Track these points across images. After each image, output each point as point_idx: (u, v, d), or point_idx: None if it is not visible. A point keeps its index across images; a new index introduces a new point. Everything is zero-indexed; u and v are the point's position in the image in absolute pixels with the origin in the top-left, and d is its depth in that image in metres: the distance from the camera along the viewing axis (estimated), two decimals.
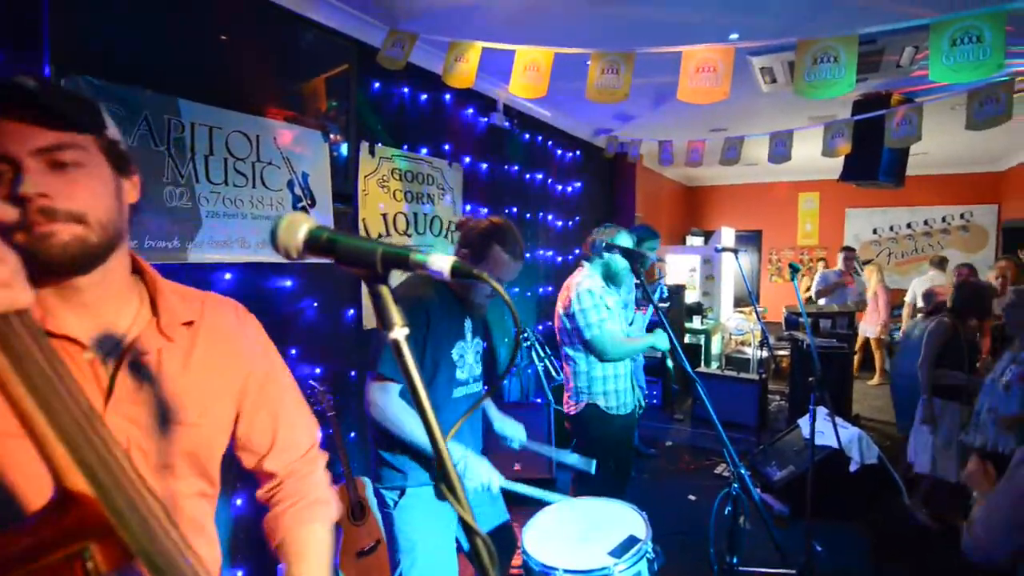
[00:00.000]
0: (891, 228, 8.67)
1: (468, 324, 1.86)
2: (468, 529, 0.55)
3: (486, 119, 4.18)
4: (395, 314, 0.55)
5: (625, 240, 2.51)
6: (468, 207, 4.04)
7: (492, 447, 2.01)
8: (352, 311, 3.11)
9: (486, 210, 4.22)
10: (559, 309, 2.63)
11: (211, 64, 2.36)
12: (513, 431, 2.07)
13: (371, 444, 1.83)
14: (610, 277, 2.62)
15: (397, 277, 3.17)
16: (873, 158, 4.32)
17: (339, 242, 0.57)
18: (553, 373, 4.53)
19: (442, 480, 0.56)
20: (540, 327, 5.09)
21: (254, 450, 0.99)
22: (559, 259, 5.43)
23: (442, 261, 0.54)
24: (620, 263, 2.56)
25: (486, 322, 1.97)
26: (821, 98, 2.25)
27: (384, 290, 0.56)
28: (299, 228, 0.57)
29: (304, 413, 1.07)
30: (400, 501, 1.76)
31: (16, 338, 0.51)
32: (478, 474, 1.70)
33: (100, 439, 0.55)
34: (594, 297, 2.49)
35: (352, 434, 3.03)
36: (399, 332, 0.55)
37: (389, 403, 1.65)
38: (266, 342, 1.03)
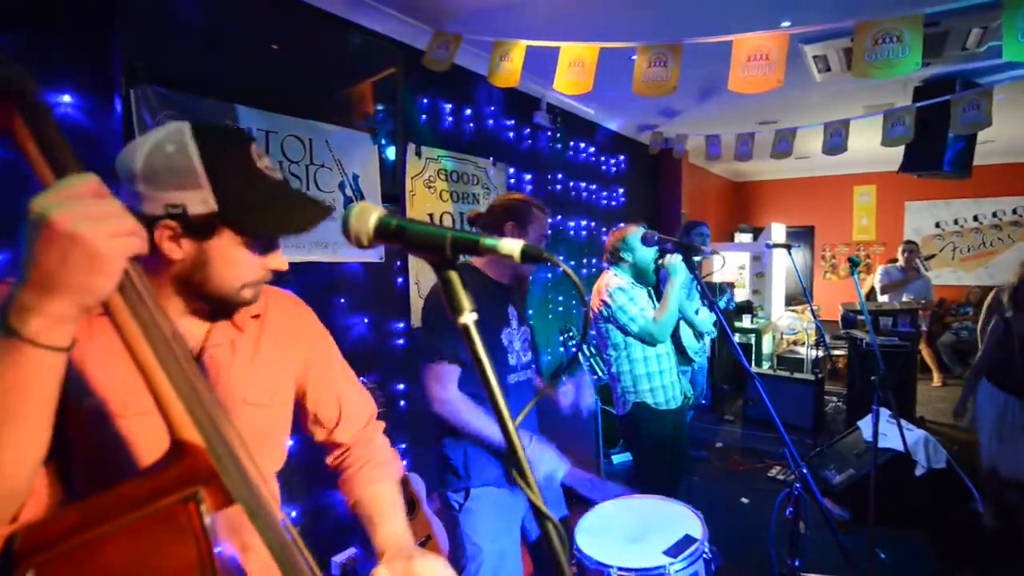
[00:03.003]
0: (955, 221, 8.20)
1: (512, 311, 1.85)
2: (539, 514, 0.55)
3: (530, 118, 4.18)
4: (464, 299, 0.56)
5: (637, 235, 2.47)
6: None
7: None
8: (401, 309, 3.17)
9: None
10: (595, 314, 2.62)
11: (266, 72, 2.45)
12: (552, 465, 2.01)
13: (434, 447, 1.81)
14: (639, 275, 2.59)
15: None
16: (937, 147, 4.10)
17: (408, 229, 0.58)
18: (599, 372, 4.50)
19: (513, 465, 0.56)
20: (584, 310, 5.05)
21: (324, 424, 1.12)
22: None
23: (512, 244, 0.54)
24: (644, 258, 2.52)
25: (525, 311, 1.96)
26: (884, 78, 2.15)
27: (453, 275, 0.56)
28: (370, 216, 0.58)
29: (360, 388, 1.19)
30: (465, 504, 1.74)
31: (135, 292, 0.58)
32: (543, 462, 1.66)
33: (206, 396, 0.62)
34: (626, 293, 2.50)
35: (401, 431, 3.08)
36: (469, 317, 0.56)
37: (451, 397, 1.64)
38: (321, 329, 1.14)
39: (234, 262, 0.82)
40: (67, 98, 1.83)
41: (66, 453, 0.77)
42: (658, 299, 2.67)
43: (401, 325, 3.15)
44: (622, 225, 2.64)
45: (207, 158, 0.77)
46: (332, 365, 1.13)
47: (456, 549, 1.79)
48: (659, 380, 2.57)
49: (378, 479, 1.12)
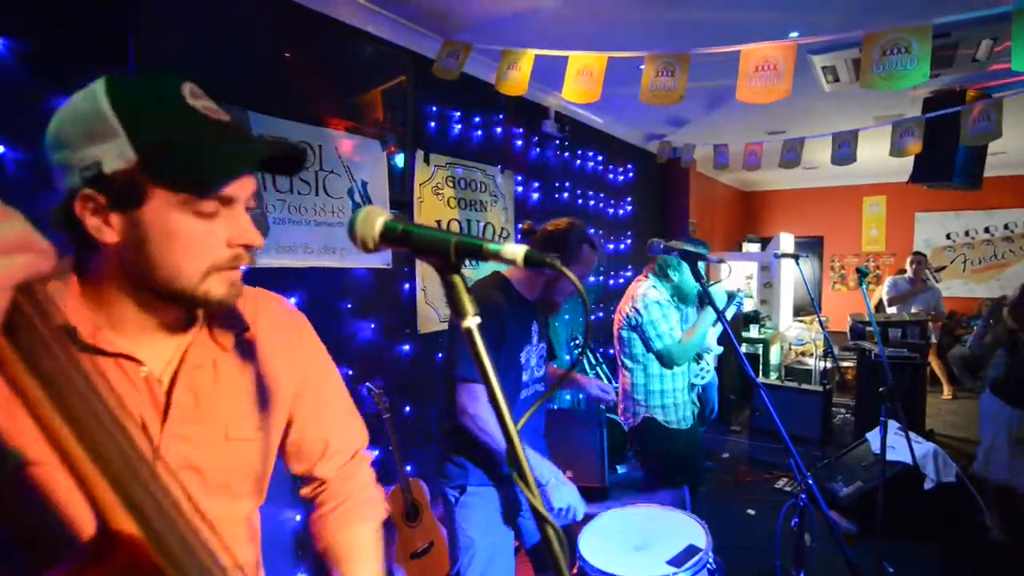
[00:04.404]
0: (966, 233, 8.14)
1: (534, 328, 1.86)
2: (539, 517, 0.55)
3: (538, 126, 4.20)
4: (468, 303, 0.56)
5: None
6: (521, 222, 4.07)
7: (548, 452, 2.01)
8: (408, 314, 3.18)
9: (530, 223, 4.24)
10: (619, 319, 2.60)
11: (278, 79, 2.48)
12: (600, 392, 2.11)
13: (437, 441, 1.86)
14: (680, 296, 2.59)
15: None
16: (947, 158, 4.08)
17: (414, 233, 0.58)
18: (605, 381, 4.49)
19: (514, 468, 0.56)
20: (591, 317, 5.05)
21: (305, 458, 0.94)
22: (611, 272, 5.38)
23: (515, 249, 0.55)
24: (691, 283, 2.51)
25: (546, 327, 1.96)
26: (893, 90, 2.14)
27: (457, 279, 0.57)
28: (376, 220, 0.58)
29: (354, 416, 1.01)
30: (461, 498, 1.78)
31: (32, 333, 0.42)
32: (562, 499, 1.66)
33: (150, 471, 0.47)
34: (661, 308, 2.47)
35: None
36: (472, 321, 0.56)
37: (482, 413, 1.65)
38: (317, 342, 0.95)
39: (178, 234, 0.64)
40: None
41: None
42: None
43: (407, 330, 3.16)
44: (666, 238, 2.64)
45: (121, 101, 0.61)
46: (326, 391, 0.95)
47: (452, 541, 1.83)
48: (671, 398, 2.55)
49: (355, 521, 0.94)
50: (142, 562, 0.46)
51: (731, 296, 2.88)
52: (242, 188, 0.68)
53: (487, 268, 3.64)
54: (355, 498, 0.97)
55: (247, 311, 0.83)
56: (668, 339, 2.44)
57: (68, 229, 0.64)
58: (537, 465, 1.69)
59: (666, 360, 2.48)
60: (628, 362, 2.59)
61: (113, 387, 0.63)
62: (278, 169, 0.73)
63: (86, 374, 0.45)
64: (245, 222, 0.69)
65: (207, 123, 0.65)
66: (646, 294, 2.50)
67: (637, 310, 2.49)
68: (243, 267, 0.71)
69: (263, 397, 0.82)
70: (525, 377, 1.83)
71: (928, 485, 3.27)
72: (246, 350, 0.81)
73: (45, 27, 1.78)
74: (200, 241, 0.65)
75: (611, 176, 5.43)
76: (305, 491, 0.99)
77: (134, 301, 0.69)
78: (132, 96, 0.63)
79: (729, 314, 2.54)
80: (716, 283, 2.52)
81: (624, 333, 2.57)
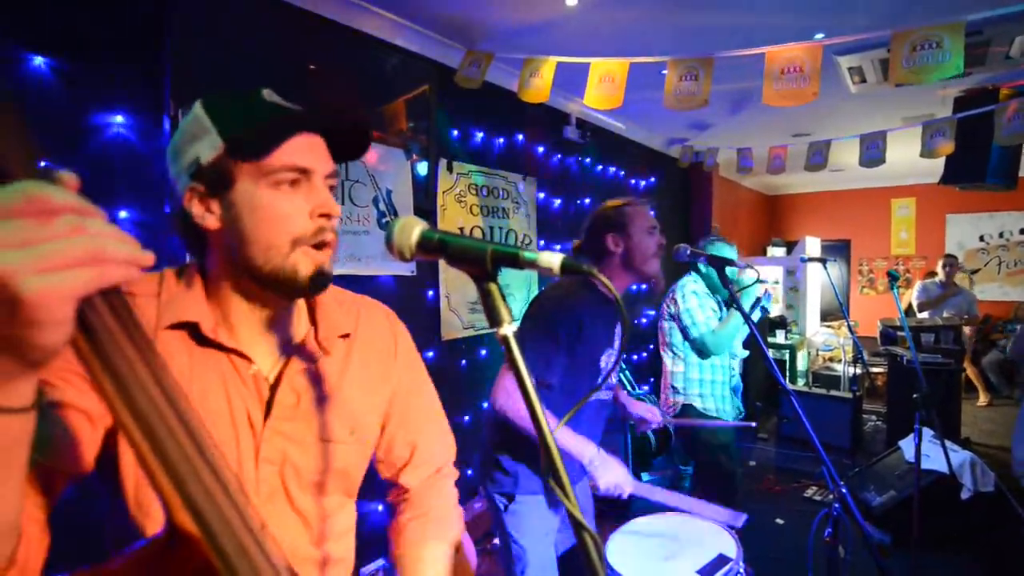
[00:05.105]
0: (1000, 234, 7.91)
1: (619, 331, 1.81)
2: (576, 524, 0.55)
3: (560, 133, 4.21)
4: (504, 311, 0.57)
5: (720, 250, 2.57)
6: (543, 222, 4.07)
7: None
8: (433, 322, 3.20)
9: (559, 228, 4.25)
10: (663, 311, 2.71)
11: (305, 90, 2.53)
12: (645, 412, 2.12)
13: (486, 446, 1.80)
14: (713, 289, 2.68)
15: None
16: (980, 158, 3.97)
17: (450, 242, 0.59)
18: (629, 387, 4.45)
19: (549, 472, 0.56)
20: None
21: (392, 464, 0.98)
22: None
23: (552, 258, 0.55)
24: (712, 272, 2.59)
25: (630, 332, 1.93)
26: (925, 83, 2.08)
27: (493, 287, 0.58)
28: (413, 230, 0.60)
29: (443, 430, 1.05)
30: (511, 506, 1.74)
31: (107, 336, 0.45)
32: (607, 476, 1.61)
33: (213, 474, 0.50)
34: (699, 298, 2.57)
35: None
36: (508, 328, 0.57)
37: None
38: (414, 353, 1.00)
39: (264, 206, 0.72)
40: (119, 118, 1.93)
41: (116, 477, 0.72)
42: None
43: (431, 336, 3.18)
44: (713, 237, 2.77)
45: (212, 105, 0.73)
46: (417, 399, 0.99)
47: (502, 550, 1.79)
48: (709, 388, 2.61)
49: (427, 538, 0.96)
50: (197, 557, 0.49)
51: (757, 299, 2.85)
52: (317, 160, 0.75)
53: (512, 275, 3.65)
54: (433, 514, 0.98)
55: (350, 317, 0.88)
56: (704, 327, 2.51)
57: (184, 230, 0.76)
58: (579, 445, 1.62)
59: (701, 349, 2.55)
60: (668, 352, 2.68)
61: (224, 379, 0.76)
62: (343, 148, 0.79)
63: (159, 377, 0.48)
64: (325, 194, 0.75)
65: (275, 106, 0.75)
66: (685, 284, 2.63)
67: (675, 299, 2.61)
68: (332, 253, 0.77)
69: (359, 403, 0.87)
70: (598, 381, 1.78)
71: (965, 495, 3.18)
72: (347, 356, 0.87)
73: (81, 44, 1.85)
74: (283, 212, 0.72)
75: (633, 181, 5.40)
76: (390, 496, 1.03)
77: (242, 295, 0.77)
78: (221, 100, 0.74)
79: (756, 316, 2.57)
80: (755, 282, 2.47)
81: (665, 323, 2.68)
